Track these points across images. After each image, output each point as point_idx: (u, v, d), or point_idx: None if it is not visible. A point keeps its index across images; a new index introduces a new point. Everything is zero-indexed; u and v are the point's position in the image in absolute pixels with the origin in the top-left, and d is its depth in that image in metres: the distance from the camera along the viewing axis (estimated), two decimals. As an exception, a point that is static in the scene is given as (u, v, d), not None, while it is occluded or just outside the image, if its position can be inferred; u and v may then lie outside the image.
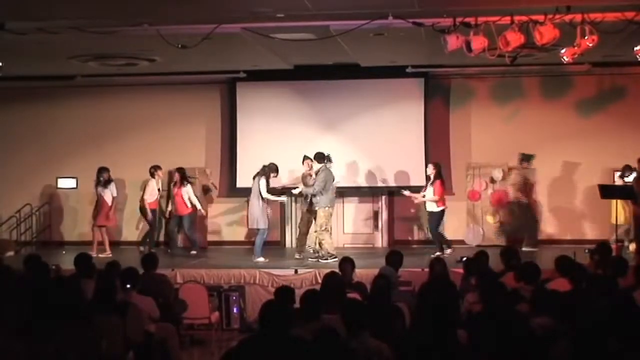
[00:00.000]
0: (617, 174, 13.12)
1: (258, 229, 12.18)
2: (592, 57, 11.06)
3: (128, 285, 7.41)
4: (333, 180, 12.02)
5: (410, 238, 14.31)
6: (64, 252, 13.54)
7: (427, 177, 12.75)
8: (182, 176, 13.21)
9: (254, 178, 12.22)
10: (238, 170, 14.37)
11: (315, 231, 12.07)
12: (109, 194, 13.24)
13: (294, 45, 10.69)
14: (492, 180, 13.87)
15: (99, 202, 13.28)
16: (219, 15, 9.34)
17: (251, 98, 14.37)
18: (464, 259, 9.69)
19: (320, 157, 12.01)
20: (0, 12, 9.05)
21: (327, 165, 12.02)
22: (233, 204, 14.64)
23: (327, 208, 11.92)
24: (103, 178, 13.23)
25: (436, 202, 12.45)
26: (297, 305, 6.09)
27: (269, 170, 12.19)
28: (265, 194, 12.04)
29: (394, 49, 11.50)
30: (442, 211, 12.56)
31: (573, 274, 7.48)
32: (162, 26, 9.70)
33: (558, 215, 14.13)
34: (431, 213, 12.60)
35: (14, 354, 5.13)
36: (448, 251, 12.32)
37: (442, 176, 12.55)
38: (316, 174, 11.95)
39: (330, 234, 12.25)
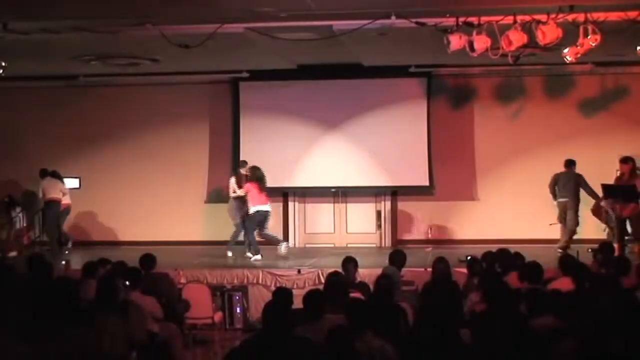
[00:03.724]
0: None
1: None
2: (595, 56, 11.03)
3: (127, 283, 7.42)
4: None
5: (413, 238, 14.28)
6: (66, 251, 13.55)
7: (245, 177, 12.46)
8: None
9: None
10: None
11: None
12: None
13: (297, 45, 10.69)
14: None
15: None
16: (222, 15, 9.35)
17: (254, 98, 14.33)
18: (469, 258, 9.68)
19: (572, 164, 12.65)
20: (3, 11, 9.07)
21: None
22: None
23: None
24: None
25: (254, 203, 12.14)
26: (295, 306, 6.08)
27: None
28: (231, 194, 12.58)
29: (396, 49, 11.49)
30: (259, 212, 12.18)
31: (576, 274, 7.48)
32: (164, 26, 9.71)
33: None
34: (251, 214, 12.23)
35: (16, 355, 5.13)
36: (258, 256, 12.10)
37: (257, 179, 12.18)
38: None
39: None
